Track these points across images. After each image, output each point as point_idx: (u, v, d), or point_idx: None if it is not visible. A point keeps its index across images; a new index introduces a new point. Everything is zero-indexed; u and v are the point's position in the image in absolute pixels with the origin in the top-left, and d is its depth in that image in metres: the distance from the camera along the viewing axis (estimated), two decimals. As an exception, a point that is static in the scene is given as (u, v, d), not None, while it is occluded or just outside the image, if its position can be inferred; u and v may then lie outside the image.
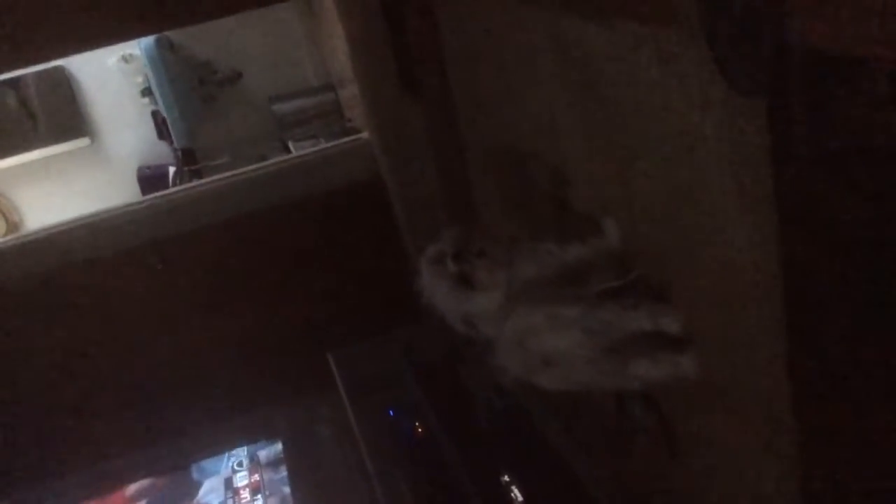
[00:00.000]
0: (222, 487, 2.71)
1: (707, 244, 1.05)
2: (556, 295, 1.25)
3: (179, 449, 2.85)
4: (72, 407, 2.89)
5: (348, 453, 2.46)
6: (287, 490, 2.64)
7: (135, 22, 2.82)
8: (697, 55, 0.91)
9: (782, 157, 0.83)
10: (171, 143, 4.39)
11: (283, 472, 2.69)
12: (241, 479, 2.71)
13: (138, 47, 4.16)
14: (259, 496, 2.63)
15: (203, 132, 4.55)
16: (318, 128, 4.15)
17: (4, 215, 4.51)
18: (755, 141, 0.86)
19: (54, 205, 4.24)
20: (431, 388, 2.26)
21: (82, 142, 4.52)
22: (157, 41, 4.13)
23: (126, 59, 4.40)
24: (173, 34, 4.34)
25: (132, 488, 2.77)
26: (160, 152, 4.60)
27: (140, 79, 4.43)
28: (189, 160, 4.42)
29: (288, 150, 4.19)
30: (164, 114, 4.28)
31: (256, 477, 2.70)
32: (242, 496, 2.65)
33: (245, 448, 2.83)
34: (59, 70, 4.37)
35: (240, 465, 2.77)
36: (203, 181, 3.43)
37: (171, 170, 4.48)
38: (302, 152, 3.61)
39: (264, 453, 2.79)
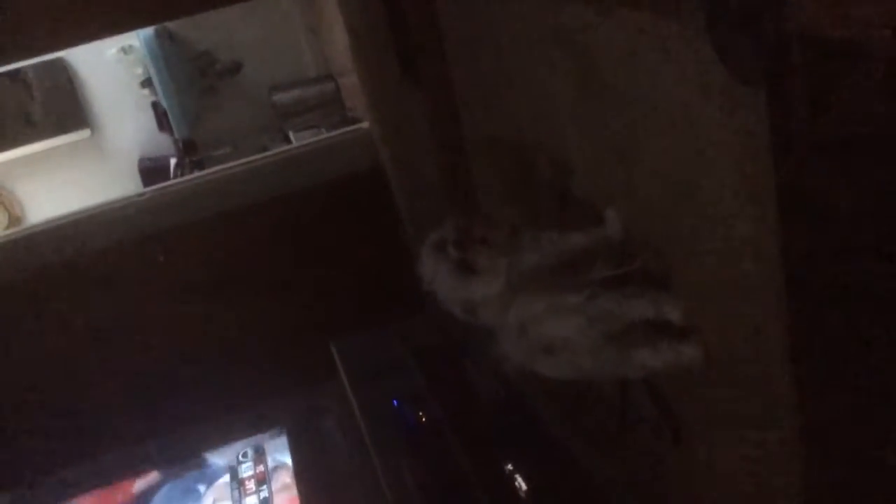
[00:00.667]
0: (228, 478, 2.72)
1: (708, 232, 1.05)
2: (558, 283, 1.25)
3: (184, 441, 2.85)
4: (74, 399, 2.89)
5: (352, 443, 2.47)
6: (292, 480, 2.65)
7: (134, 13, 2.82)
8: (698, 43, 0.90)
9: (783, 146, 0.83)
10: (172, 134, 4.38)
11: (289, 462, 2.70)
12: (247, 470, 2.72)
13: (138, 38, 4.14)
14: (265, 486, 2.64)
15: (203, 123, 4.54)
16: (319, 118, 4.14)
17: (7, 208, 4.51)
18: (756, 129, 0.86)
19: (56, 197, 4.25)
20: (435, 378, 2.27)
21: (83, 133, 4.51)
22: (157, 32, 4.11)
23: (126, 51, 4.38)
24: (173, 25, 4.33)
25: (137, 481, 2.78)
26: (161, 143, 4.59)
27: (140, 70, 4.42)
28: (190, 151, 4.41)
29: (288, 141, 4.18)
30: (165, 105, 4.26)
31: (262, 468, 2.71)
32: (248, 487, 2.66)
33: (250, 439, 2.84)
34: (59, 62, 4.36)
35: (245, 455, 2.77)
36: (204, 172, 3.42)
37: (173, 161, 4.47)
38: (303, 142, 3.61)
39: (269, 444, 2.79)
